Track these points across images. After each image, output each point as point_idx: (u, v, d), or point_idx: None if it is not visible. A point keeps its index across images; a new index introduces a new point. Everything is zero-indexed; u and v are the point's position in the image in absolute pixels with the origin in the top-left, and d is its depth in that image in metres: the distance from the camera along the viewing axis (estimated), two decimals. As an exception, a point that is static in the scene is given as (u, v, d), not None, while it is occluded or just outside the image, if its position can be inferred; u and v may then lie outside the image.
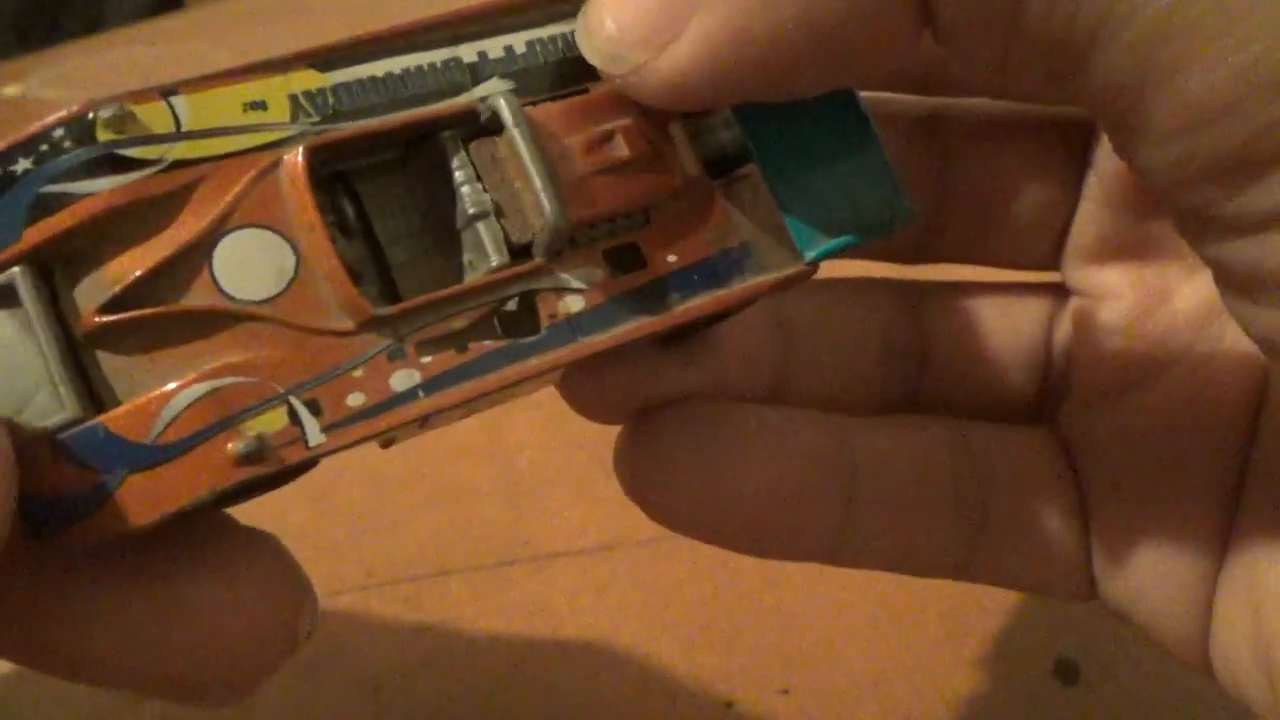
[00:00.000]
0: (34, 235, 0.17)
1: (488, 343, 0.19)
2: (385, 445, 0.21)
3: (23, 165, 0.17)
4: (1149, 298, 0.26)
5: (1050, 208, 0.26)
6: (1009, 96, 0.26)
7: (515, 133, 0.19)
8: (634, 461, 0.24)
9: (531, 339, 0.19)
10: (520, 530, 0.38)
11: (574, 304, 0.20)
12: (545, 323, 0.19)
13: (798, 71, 0.19)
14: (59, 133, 0.17)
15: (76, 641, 0.19)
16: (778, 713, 0.33)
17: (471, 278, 0.19)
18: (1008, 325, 0.27)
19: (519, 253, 0.19)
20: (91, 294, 0.17)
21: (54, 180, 0.17)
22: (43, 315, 0.17)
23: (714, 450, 0.24)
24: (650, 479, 0.24)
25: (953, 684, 0.34)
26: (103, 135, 0.17)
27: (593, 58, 0.20)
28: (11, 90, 0.62)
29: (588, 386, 0.24)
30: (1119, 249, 0.26)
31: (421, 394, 0.18)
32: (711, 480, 0.24)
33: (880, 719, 0.33)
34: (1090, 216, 0.26)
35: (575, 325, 0.19)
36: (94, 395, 0.17)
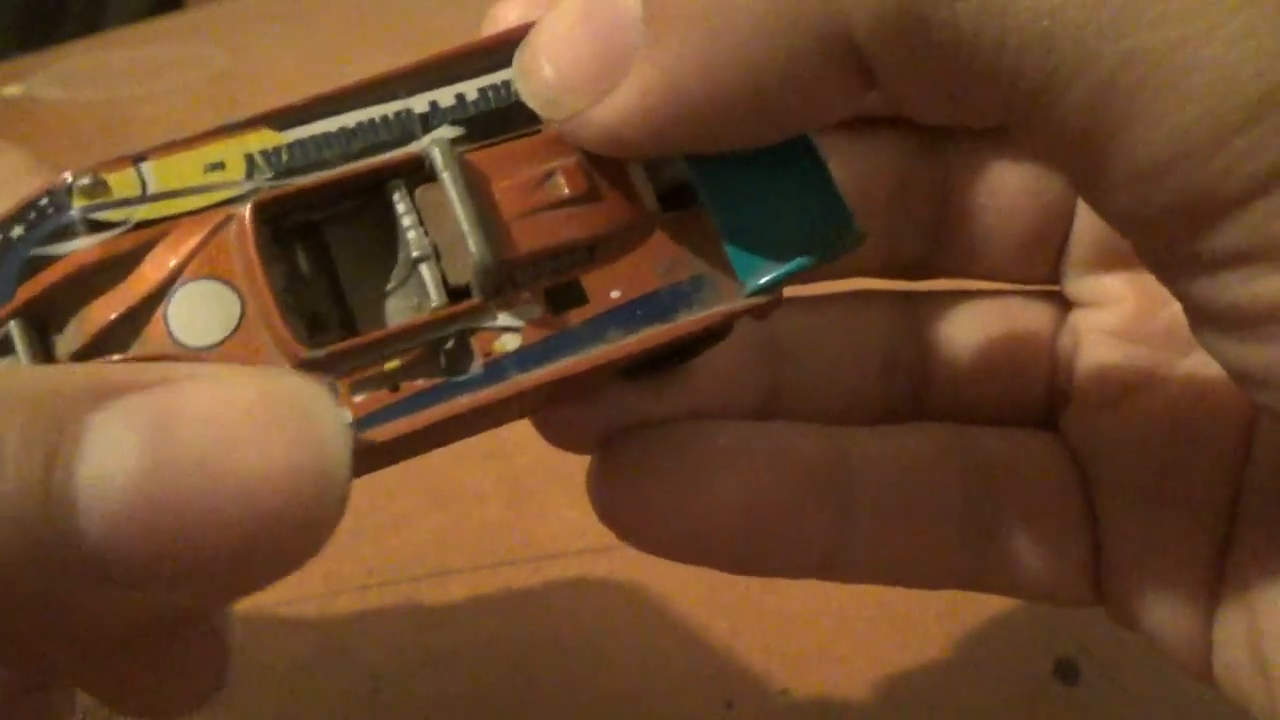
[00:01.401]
0: (25, 292, 0.19)
1: (420, 381, 0.20)
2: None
3: (18, 232, 0.19)
4: (1149, 303, 0.26)
5: (1050, 219, 0.26)
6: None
7: (445, 176, 0.20)
8: (603, 485, 0.24)
9: (463, 377, 0.20)
10: (520, 530, 0.38)
11: (509, 342, 0.20)
12: (479, 361, 0.20)
13: (735, 127, 0.19)
14: (44, 201, 0.19)
15: None
16: (778, 713, 0.33)
17: (410, 319, 0.20)
18: (1008, 333, 0.27)
19: (459, 294, 0.20)
20: (71, 342, 0.19)
21: (41, 243, 0.19)
22: (34, 362, 0.19)
23: (686, 466, 0.23)
24: (623, 501, 0.24)
25: (953, 684, 0.34)
26: (78, 202, 0.19)
27: (530, 101, 0.20)
28: (11, 90, 0.62)
29: (556, 418, 0.24)
30: (1118, 257, 0.26)
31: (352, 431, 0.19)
32: (685, 497, 0.23)
33: (880, 719, 0.33)
34: (1088, 226, 0.26)
35: (509, 363, 0.20)
36: None
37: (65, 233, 0.19)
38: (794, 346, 0.26)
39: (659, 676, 0.34)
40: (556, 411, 0.24)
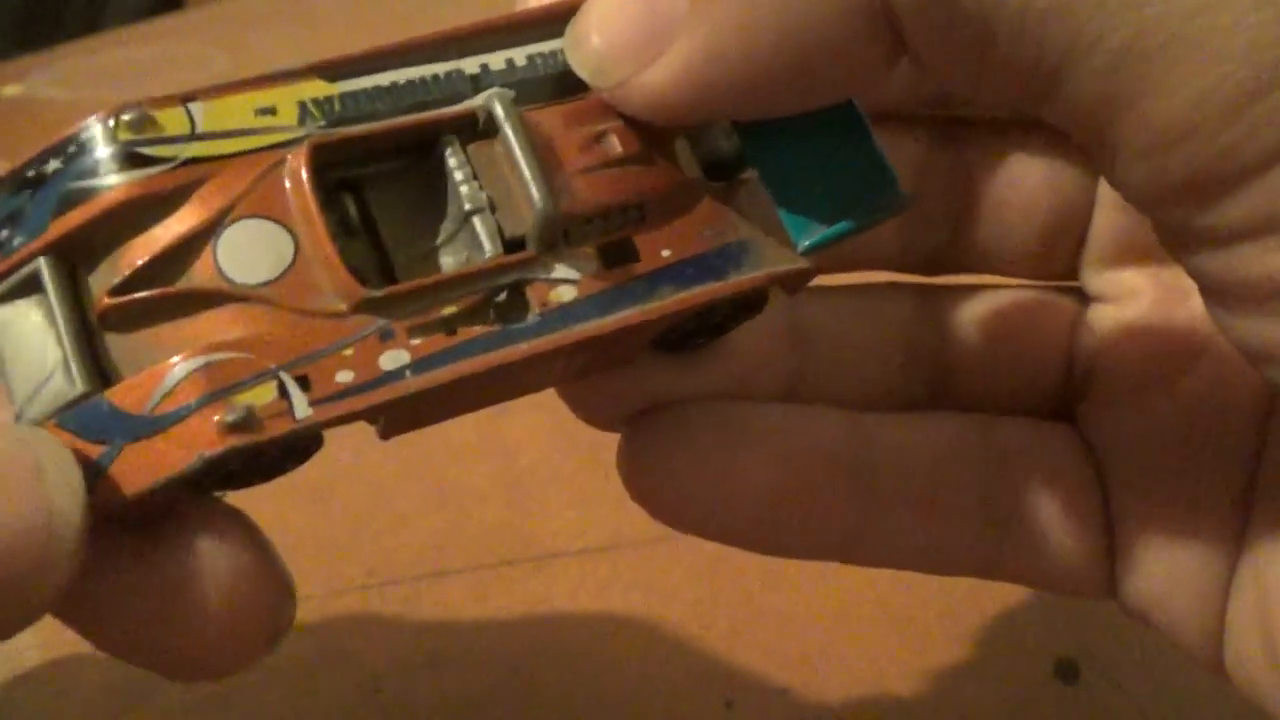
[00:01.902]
0: (59, 227, 0.18)
1: (477, 328, 0.20)
2: (384, 436, 0.21)
3: (54, 165, 0.19)
4: (1168, 296, 0.26)
5: (1069, 215, 0.27)
6: (990, 113, 0.27)
7: (507, 127, 0.20)
8: (636, 462, 0.24)
9: (520, 325, 0.20)
10: (520, 530, 0.38)
11: (565, 294, 0.20)
12: (535, 310, 0.20)
13: (775, 94, 0.20)
14: (85, 134, 0.18)
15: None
16: (778, 713, 0.33)
17: (467, 266, 0.20)
18: (1029, 326, 0.27)
19: (513, 246, 0.20)
20: (106, 280, 0.19)
21: (79, 178, 0.18)
22: (62, 301, 0.19)
23: (716, 446, 0.24)
24: (652, 478, 0.24)
25: (953, 684, 0.34)
26: (123, 135, 0.18)
27: (579, 69, 0.21)
28: (11, 90, 0.62)
29: (589, 391, 0.24)
30: (1137, 251, 0.26)
31: (409, 374, 0.19)
32: (714, 477, 0.24)
33: (880, 719, 0.33)
34: (1107, 221, 0.26)
35: (566, 314, 0.20)
36: (104, 374, 0.19)
37: (107, 166, 0.18)
38: (818, 334, 0.26)
39: (659, 676, 0.34)
40: (588, 386, 0.24)
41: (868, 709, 0.33)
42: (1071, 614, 0.35)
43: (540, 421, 0.40)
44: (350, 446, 0.39)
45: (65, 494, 0.17)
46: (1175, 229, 0.19)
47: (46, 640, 0.33)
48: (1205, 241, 0.19)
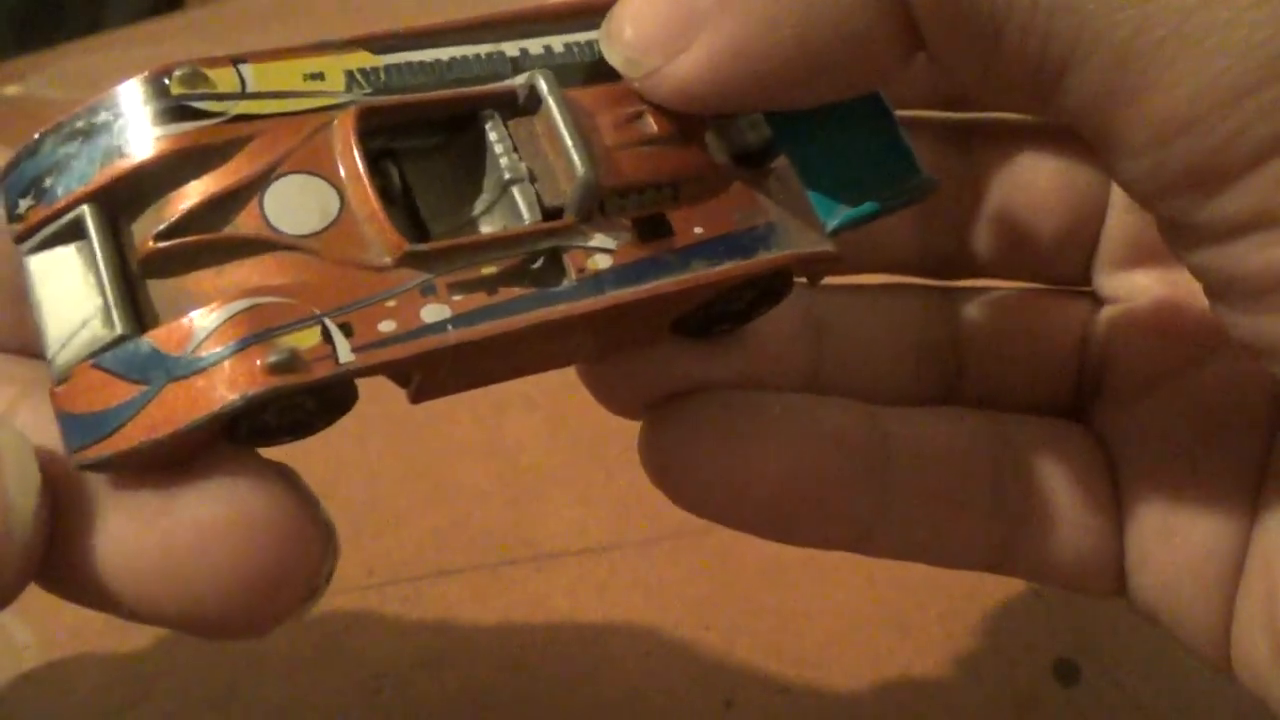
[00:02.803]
0: (104, 175, 0.19)
1: (516, 289, 0.20)
2: (415, 399, 0.21)
3: (104, 116, 0.19)
4: (1179, 297, 0.26)
5: (1081, 218, 0.27)
6: (999, 109, 0.27)
7: (551, 100, 0.21)
8: (657, 447, 0.24)
9: (558, 288, 0.20)
10: (520, 530, 0.38)
11: (601, 261, 0.21)
12: (572, 275, 0.20)
13: (795, 87, 0.21)
14: (138, 88, 0.19)
15: (86, 562, 0.19)
16: (778, 713, 0.33)
17: (508, 229, 0.21)
18: (1041, 325, 0.27)
19: (551, 215, 0.21)
20: (148, 229, 0.19)
21: (129, 128, 0.19)
22: (104, 246, 0.19)
23: (737, 434, 0.24)
24: (672, 464, 0.24)
25: (953, 684, 0.34)
26: (175, 89, 0.19)
27: (612, 59, 0.22)
28: (11, 90, 0.62)
29: (612, 377, 0.24)
30: (1148, 253, 0.26)
31: (450, 327, 0.19)
32: (735, 464, 0.24)
33: (880, 719, 0.33)
34: (1119, 223, 0.27)
35: (602, 280, 0.21)
36: (142, 320, 0.19)
37: (157, 117, 0.19)
38: (835, 329, 0.27)
39: (659, 676, 0.34)
40: (610, 372, 0.24)
41: (868, 709, 0.33)
42: (1071, 614, 0.35)
43: (540, 421, 0.40)
44: (351, 445, 0.39)
45: (18, 483, 0.18)
46: (1176, 224, 0.20)
47: (47, 640, 0.33)
48: (1205, 236, 0.19)
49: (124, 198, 0.19)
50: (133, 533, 0.19)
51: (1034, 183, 0.27)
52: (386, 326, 0.19)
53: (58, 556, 0.20)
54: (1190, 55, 0.18)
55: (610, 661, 0.34)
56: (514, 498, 0.39)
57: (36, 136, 0.20)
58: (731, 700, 0.33)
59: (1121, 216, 0.27)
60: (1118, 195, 0.27)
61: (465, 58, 0.21)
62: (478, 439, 0.40)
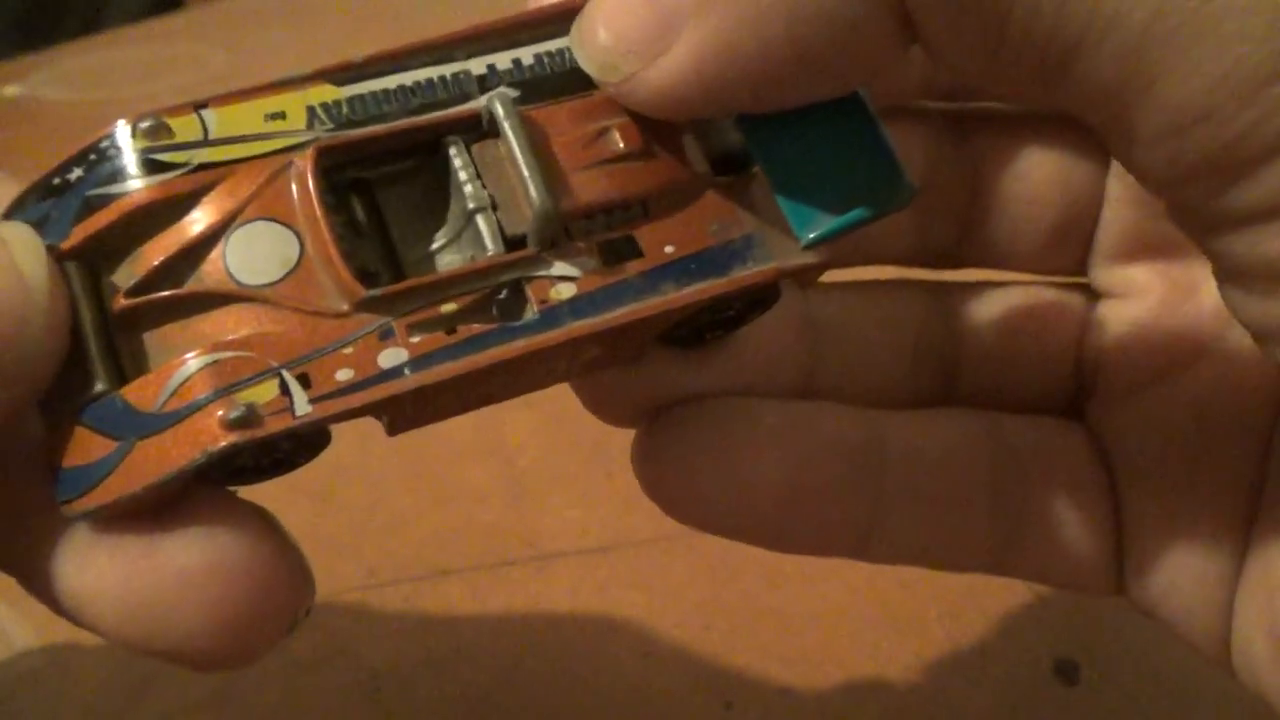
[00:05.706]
0: (81, 231, 0.19)
1: (476, 326, 0.20)
2: (391, 432, 0.21)
3: (76, 173, 0.19)
4: (1176, 292, 0.26)
5: (1077, 210, 0.27)
6: (1001, 100, 0.27)
7: (506, 126, 0.20)
8: (651, 459, 0.24)
9: (519, 323, 0.20)
10: (520, 530, 0.38)
11: (565, 290, 0.20)
12: (534, 308, 0.20)
13: (784, 85, 0.20)
14: (105, 143, 0.19)
15: (71, 598, 0.20)
16: (778, 713, 0.33)
17: (467, 264, 0.20)
18: (1038, 323, 0.27)
19: (515, 244, 0.20)
20: (125, 281, 0.19)
21: (99, 184, 0.19)
22: (85, 301, 0.19)
23: (730, 443, 0.24)
24: (666, 476, 0.24)
25: (953, 684, 0.34)
26: (139, 143, 0.19)
27: (586, 65, 0.21)
28: (11, 90, 0.62)
29: (603, 388, 0.24)
30: (1145, 247, 0.26)
31: (408, 371, 0.19)
32: (728, 474, 0.24)
33: (880, 719, 0.33)
34: (1116, 216, 0.26)
35: (564, 311, 0.20)
36: (122, 371, 0.19)
37: (125, 173, 0.19)
38: (830, 330, 0.26)
39: (659, 676, 0.34)
40: (602, 383, 0.24)
41: (868, 709, 0.33)
42: (1071, 614, 0.35)
43: (540, 421, 0.40)
44: (351, 446, 0.39)
45: (31, 260, 0.19)
46: (1192, 211, 0.19)
47: (47, 640, 0.33)
48: (1223, 223, 0.19)
49: (101, 252, 0.20)
50: (116, 577, 0.20)
51: (1031, 174, 0.26)
52: (344, 375, 0.19)
53: (42, 584, 0.20)
54: (1208, 41, 0.17)
55: (610, 661, 0.34)
56: (514, 498, 0.39)
57: (19, 195, 0.20)
58: (731, 701, 0.33)
59: (1118, 210, 0.26)
60: (1115, 188, 0.26)
61: (431, 81, 0.21)
62: (478, 439, 0.40)
